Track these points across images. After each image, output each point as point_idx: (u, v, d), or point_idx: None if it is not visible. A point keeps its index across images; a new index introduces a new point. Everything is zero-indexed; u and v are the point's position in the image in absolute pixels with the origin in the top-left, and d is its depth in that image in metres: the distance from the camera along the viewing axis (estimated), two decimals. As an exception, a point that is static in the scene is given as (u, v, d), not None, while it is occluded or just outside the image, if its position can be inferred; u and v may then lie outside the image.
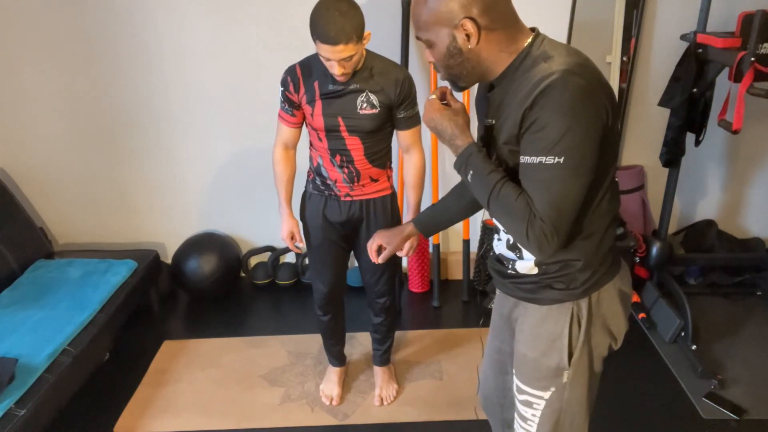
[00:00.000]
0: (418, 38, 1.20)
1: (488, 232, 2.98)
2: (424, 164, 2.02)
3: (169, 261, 3.13)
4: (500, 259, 1.39)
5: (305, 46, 1.87)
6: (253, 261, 3.21)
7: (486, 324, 2.75)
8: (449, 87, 1.29)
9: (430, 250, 3.04)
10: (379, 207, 2.03)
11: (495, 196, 1.17)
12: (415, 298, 3.08)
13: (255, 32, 2.73)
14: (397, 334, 2.69)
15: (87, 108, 2.88)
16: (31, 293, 2.49)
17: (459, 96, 2.75)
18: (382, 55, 1.89)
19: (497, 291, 1.49)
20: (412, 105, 1.90)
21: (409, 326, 2.83)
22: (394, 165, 2.11)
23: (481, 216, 3.09)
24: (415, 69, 2.77)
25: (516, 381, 1.41)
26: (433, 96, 1.27)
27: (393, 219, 2.07)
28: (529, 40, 1.16)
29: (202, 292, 3.01)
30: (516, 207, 1.14)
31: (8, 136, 2.93)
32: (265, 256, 3.19)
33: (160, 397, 2.42)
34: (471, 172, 1.21)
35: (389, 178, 2.06)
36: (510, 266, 1.35)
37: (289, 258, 3.23)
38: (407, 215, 2.04)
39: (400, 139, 1.97)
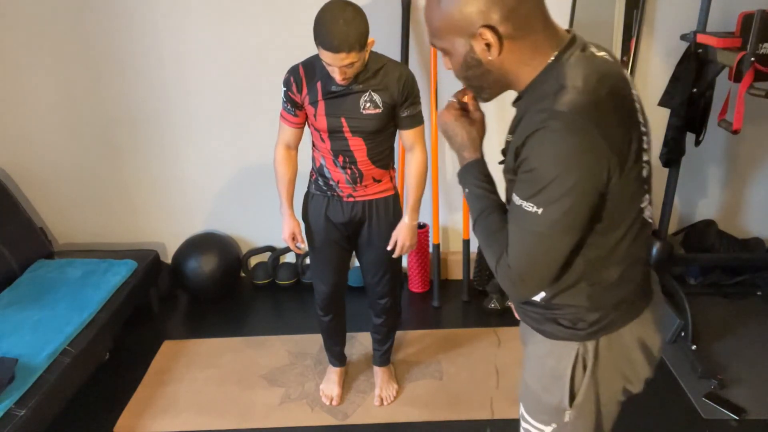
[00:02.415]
0: (432, 45, 1.10)
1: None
2: (427, 163, 2.01)
3: (169, 261, 3.13)
4: None
5: (306, 46, 1.86)
6: (253, 261, 3.21)
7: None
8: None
9: (430, 250, 3.04)
10: (381, 207, 2.03)
11: (481, 221, 1.12)
12: (415, 298, 3.08)
13: (255, 32, 2.73)
14: (397, 334, 2.68)
15: (87, 108, 2.88)
16: (31, 293, 2.49)
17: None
18: (384, 55, 1.88)
19: None
20: (415, 103, 1.90)
21: (409, 326, 2.83)
22: (396, 165, 2.10)
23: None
24: (415, 69, 2.76)
25: (521, 407, 1.35)
26: (453, 99, 1.19)
27: (395, 219, 2.06)
28: (555, 54, 1.02)
29: (202, 292, 3.01)
30: (494, 240, 1.08)
31: (8, 136, 2.93)
32: (265, 256, 3.19)
33: (160, 397, 2.42)
34: (467, 190, 1.16)
35: (392, 178, 2.05)
36: None
37: (289, 258, 3.23)
38: (405, 214, 2.03)
39: (403, 138, 1.97)
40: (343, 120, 1.85)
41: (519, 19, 0.98)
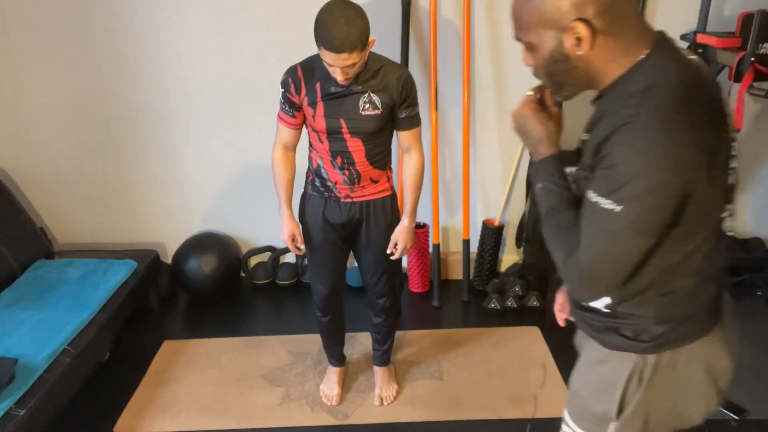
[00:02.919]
0: (517, 39, 1.06)
1: (488, 232, 2.98)
2: (424, 165, 2.01)
3: (169, 261, 3.13)
4: None
5: (307, 46, 1.86)
6: (253, 261, 3.21)
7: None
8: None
9: (430, 250, 3.04)
10: (379, 208, 2.03)
11: (552, 217, 1.09)
12: (415, 298, 3.08)
13: (255, 32, 2.73)
14: (397, 334, 2.68)
15: (87, 108, 2.88)
16: (31, 293, 2.49)
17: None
18: (383, 55, 1.88)
19: None
20: (413, 104, 1.90)
21: (409, 326, 2.83)
22: (393, 165, 2.10)
23: (480, 216, 3.09)
24: (415, 70, 2.76)
25: (564, 411, 1.31)
26: (530, 92, 1.16)
27: (393, 220, 2.06)
28: (645, 53, 0.99)
29: (202, 292, 3.01)
30: (564, 237, 1.04)
31: (8, 136, 2.93)
32: (265, 256, 3.19)
33: (160, 397, 2.42)
34: (540, 185, 1.12)
35: (389, 179, 2.05)
36: None
37: (289, 258, 3.23)
38: (404, 217, 2.03)
39: (400, 139, 1.97)
40: (342, 121, 1.84)
41: (614, 15, 0.95)
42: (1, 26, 2.71)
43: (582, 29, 0.95)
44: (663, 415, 1.16)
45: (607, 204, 0.95)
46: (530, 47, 1.04)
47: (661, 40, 1.01)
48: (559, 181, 1.11)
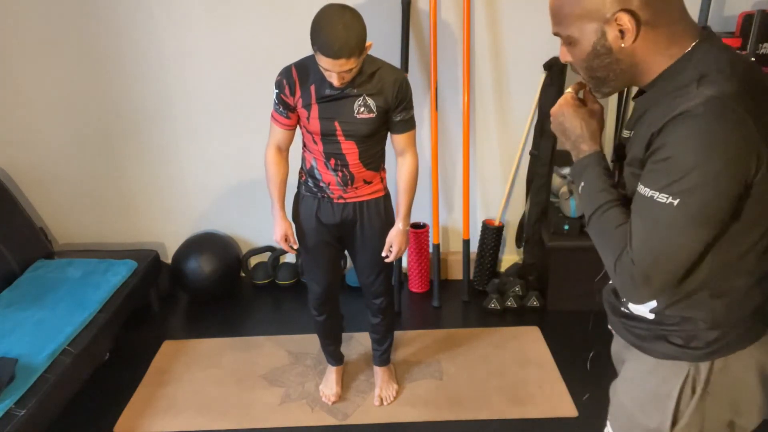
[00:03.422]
0: (556, 34, 1.03)
1: (488, 232, 2.98)
2: (418, 168, 2.00)
3: (169, 261, 3.13)
4: (616, 292, 1.20)
5: (306, 46, 1.86)
6: (253, 261, 3.21)
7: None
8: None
9: (430, 250, 3.04)
10: (372, 208, 2.03)
11: (598, 216, 1.04)
12: (415, 298, 3.08)
13: (255, 33, 2.73)
14: (397, 334, 2.69)
15: (87, 108, 2.88)
16: (31, 293, 2.49)
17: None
18: (379, 58, 1.88)
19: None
20: (408, 108, 1.89)
21: (409, 326, 2.83)
22: (387, 165, 2.09)
23: (480, 216, 3.09)
24: (414, 70, 2.77)
25: (608, 425, 1.25)
26: (570, 90, 1.14)
27: (387, 220, 2.06)
28: (693, 44, 0.96)
29: (202, 292, 3.01)
30: (613, 236, 1.00)
31: (8, 136, 2.93)
32: (265, 256, 3.19)
33: (160, 397, 2.42)
34: (583, 183, 1.08)
35: (383, 179, 2.05)
36: (624, 302, 1.16)
37: (289, 258, 3.23)
38: (398, 220, 2.02)
39: (394, 142, 1.96)
40: (336, 124, 1.84)
41: (659, 5, 0.93)
42: (1, 26, 2.71)
43: (626, 20, 0.92)
44: (717, 424, 1.12)
45: (662, 198, 0.92)
46: (571, 42, 1.01)
47: (707, 32, 0.99)
48: (605, 178, 1.07)
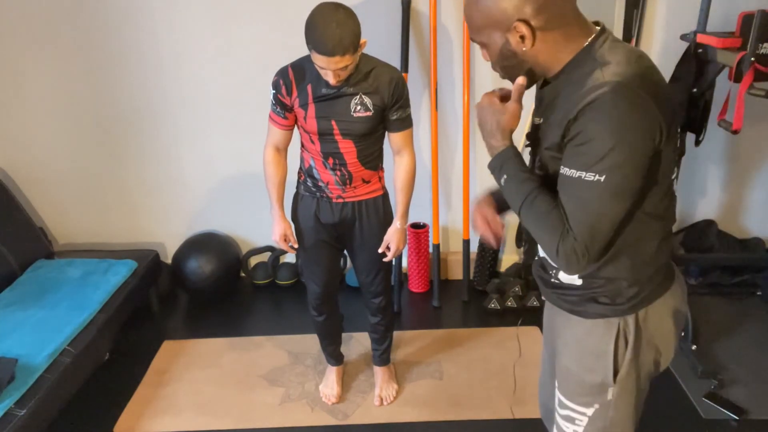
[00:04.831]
0: (472, 40, 1.18)
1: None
2: (415, 167, 2.01)
3: (169, 261, 3.13)
4: (544, 266, 1.32)
5: (305, 47, 1.86)
6: (253, 261, 3.21)
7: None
8: (521, 88, 1.20)
9: (430, 250, 3.04)
10: (371, 208, 2.03)
11: (528, 204, 1.14)
12: (415, 298, 3.08)
13: (254, 33, 2.73)
14: (397, 333, 2.69)
15: (87, 108, 2.88)
16: (31, 293, 2.49)
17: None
18: (375, 57, 1.88)
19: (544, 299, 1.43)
20: (404, 106, 1.89)
21: (409, 326, 2.83)
22: (385, 165, 2.09)
23: (481, 216, 3.09)
24: (414, 70, 2.77)
25: (558, 395, 1.35)
26: (496, 90, 1.24)
27: (386, 219, 2.06)
28: (590, 39, 1.10)
29: (202, 292, 3.01)
30: (549, 220, 1.10)
31: (8, 136, 2.93)
32: (265, 256, 3.19)
33: (160, 397, 2.42)
34: (505, 176, 1.18)
35: (381, 178, 2.05)
36: (553, 274, 1.29)
37: (289, 258, 3.23)
38: (396, 219, 2.03)
39: (391, 141, 1.96)
40: (333, 123, 1.84)
41: (551, 12, 1.06)
42: (2, 26, 2.71)
43: (523, 29, 1.05)
44: (647, 367, 1.27)
45: (590, 177, 1.03)
46: (484, 46, 1.15)
47: (601, 29, 1.12)
48: (525, 167, 1.17)
